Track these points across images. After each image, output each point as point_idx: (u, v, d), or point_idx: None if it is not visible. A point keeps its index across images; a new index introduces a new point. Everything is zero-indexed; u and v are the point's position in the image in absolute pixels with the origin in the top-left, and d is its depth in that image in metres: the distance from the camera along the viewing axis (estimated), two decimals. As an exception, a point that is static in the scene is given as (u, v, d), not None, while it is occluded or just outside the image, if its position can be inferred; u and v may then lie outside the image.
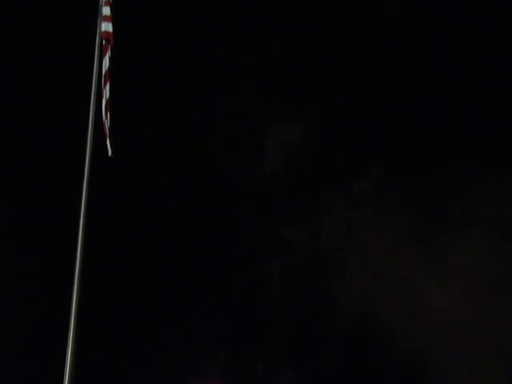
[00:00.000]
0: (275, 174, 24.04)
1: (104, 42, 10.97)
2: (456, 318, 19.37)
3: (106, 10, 11.14)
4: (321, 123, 23.25)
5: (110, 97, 10.84)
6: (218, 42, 23.39)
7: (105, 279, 20.25)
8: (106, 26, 11.02)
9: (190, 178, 24.32)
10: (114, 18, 11.13)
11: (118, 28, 11.17)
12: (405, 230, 20.64)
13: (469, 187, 19.29)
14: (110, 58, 10.93)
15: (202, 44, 23.31)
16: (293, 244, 23.03)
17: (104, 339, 20.38)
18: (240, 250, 23.12)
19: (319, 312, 21.74)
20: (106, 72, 10.87)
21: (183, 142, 24.11)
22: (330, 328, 21.23)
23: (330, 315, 21.50)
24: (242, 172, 23.59)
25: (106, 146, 10.83)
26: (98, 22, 11.09)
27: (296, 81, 23.58)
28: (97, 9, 11.25)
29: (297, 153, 23.76)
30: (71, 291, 9.93)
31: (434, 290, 19.75)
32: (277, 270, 23.14)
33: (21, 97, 21.21)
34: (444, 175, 20.26)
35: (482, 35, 21.97)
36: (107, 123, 10.69)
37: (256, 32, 23.34)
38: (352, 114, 22.82)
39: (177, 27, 22.83)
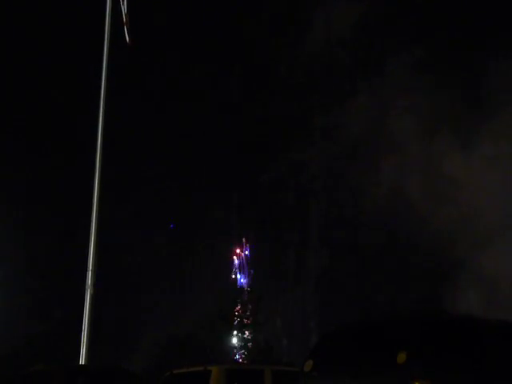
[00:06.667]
0: (313, 58, 23.66)
1: None
2: (486, 206, 19.33)
3: None
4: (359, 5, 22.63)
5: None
6: None
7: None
8: None
9: (226, 66, 24.11)
10: None
11: None
12: (439, 115, 20.37)
13: (507, 73, 18.75)
14: None
15: None
16: (326, 130, 23.01)
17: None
18: (276, 136, 23.13)
19: (351, 198, 21.94)
20: None
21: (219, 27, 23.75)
22: (361, 215, 21.47)
23: (362, 202, 21.70)
24: (281, 56, 23.30)
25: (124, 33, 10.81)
26: None
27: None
28: None
29: (333, 37, 23.30)
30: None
31: (465, 178, 19.67)
32: (311, 156, 23.24)
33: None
34: (481, 61, 19.71)
35: None
36: (124, 9, 10.61)
37: None
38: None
39: None
